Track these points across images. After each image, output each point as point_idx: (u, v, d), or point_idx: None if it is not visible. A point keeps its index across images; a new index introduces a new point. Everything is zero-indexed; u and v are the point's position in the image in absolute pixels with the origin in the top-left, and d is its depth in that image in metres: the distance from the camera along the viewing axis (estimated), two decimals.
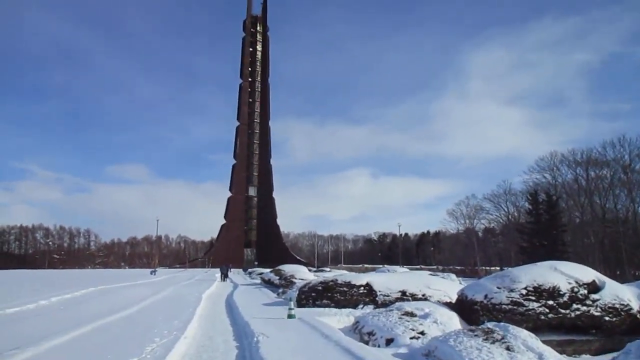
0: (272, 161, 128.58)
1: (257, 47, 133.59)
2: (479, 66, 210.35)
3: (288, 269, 31.11)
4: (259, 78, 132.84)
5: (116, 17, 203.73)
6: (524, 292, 10.46)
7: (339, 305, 15.10)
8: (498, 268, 74.45)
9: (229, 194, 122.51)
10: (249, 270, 65.88)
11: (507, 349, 6.88)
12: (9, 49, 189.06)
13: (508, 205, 74.05)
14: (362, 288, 15.40)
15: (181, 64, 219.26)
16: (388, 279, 15.99)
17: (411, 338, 9.03)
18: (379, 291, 15.23)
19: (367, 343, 9.46)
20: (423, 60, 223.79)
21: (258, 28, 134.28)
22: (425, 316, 9.98)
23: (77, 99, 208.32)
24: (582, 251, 55.66)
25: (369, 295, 15.28)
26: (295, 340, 8.62)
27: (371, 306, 15.21)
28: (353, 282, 15.47)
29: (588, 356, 10.31)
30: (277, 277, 29.00)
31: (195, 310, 14.39)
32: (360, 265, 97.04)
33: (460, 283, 21.98)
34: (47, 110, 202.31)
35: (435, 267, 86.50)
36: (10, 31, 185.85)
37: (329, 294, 15.38)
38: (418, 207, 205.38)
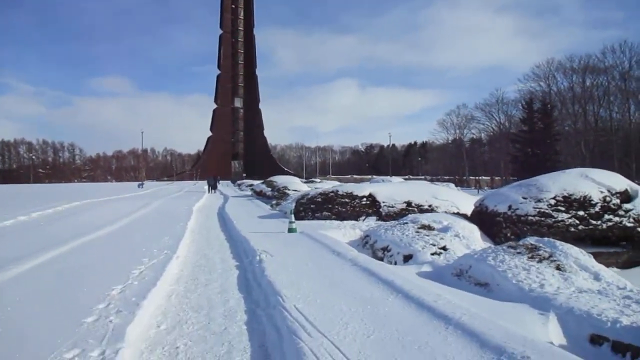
0: (257, 72, 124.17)
1: None
2: None
3: (280, 180, 30.18)
4: None
5: None
6: (552, 202, 9.45)
7: (340, 217, 14.19)
8: (488, 178, 74.98)
9: (215, 106, 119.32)
10: (238, 182, 65.19)
11: (558, 268, 5.88)
12: None
13: (500, 115, 72.92)
14: (364, 199, 14.42)
15: None
16: (392, 189, 14.99)
17: (432, 254, 8.06)
18: (383, 202, 14.27)
19: (381, 260, 8.51)
20: None
21: None
22: (445, 229, 8.98)
23: (51, 7, 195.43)
24: (572, 161, 55.50)
25: (372, 207, 14.34)
26: (304, 259, 7.59)
27: (374, 218, 14.35)
28: (355, 193, 14.45)
29: (616, 269, 9.55)
30: (270, 189, 28.09)
31: (187, 224, 13.35)
32: (349, 176, 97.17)
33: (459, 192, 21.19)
34: (20, 20, 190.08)
35: (422, 177, 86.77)
36: None
37: (329, 206, 14.40)
38: (405, 118, 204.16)
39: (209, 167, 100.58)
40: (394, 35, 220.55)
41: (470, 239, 8.71)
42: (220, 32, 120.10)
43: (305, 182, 38.57)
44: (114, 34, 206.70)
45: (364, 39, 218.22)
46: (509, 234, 9.42)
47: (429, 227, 9.16)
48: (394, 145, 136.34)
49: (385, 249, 8.69)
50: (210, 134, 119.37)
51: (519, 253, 6.26)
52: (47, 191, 43.58)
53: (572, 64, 57.16)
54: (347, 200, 14.36)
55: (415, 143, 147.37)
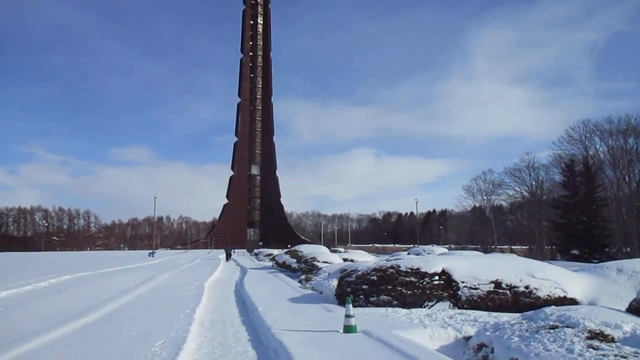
0: (275, 141, 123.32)
1: (258, 19, 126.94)
2: (484, 46, 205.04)
3: (307, 249, 26.30)
4: (260, 52, 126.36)
5: None
6: None
7: (402, 302, 10.34)
8: (525, 247, 70.00)
9: (232, 173, 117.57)
10: (255, 251, 61.32)
11: None
12: (10, 32, 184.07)
13: (531, 180, 68.89)
14: (436, 277, 10.59)
15: (181, 44, 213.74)
16: (470, 264, 11.14)
17: None
18: (462, 282, 10.42)
19: None
20: (428, 39, 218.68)
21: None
22: (638, 341, 5.10)
23: (78, 81, 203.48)
24: (619, 227, 50.88)
25: (447, 288, 10.49)
26: None
27: (447, 303, 10.56)
28: (423, 269, 10.63)
29: None
30: (295, 260, 24.19)
31: (194, 312, 9.60)
32: (370, 245, 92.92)
33: None
34: (49, 92, 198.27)
35: (447, 246, 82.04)
36: (11, 14, 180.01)
37: (389, 287, 10.56)
38: (421, 186, 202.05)
39: (224, 235, 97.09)
40: (409, 106, 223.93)
41: None
42: (239, 100, 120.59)
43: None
44: (135, 105, 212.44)
45: (380, 110, 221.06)
46: None
47: (603, 336, 5.31)
48: (411, 213, 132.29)
49: None
50: (226, 201, 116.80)
51: None
52: (51, 260, 40.43)
53: (610, 126, 53.77)
54: (412, 279, 10.52)
55: (434, 211, 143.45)
